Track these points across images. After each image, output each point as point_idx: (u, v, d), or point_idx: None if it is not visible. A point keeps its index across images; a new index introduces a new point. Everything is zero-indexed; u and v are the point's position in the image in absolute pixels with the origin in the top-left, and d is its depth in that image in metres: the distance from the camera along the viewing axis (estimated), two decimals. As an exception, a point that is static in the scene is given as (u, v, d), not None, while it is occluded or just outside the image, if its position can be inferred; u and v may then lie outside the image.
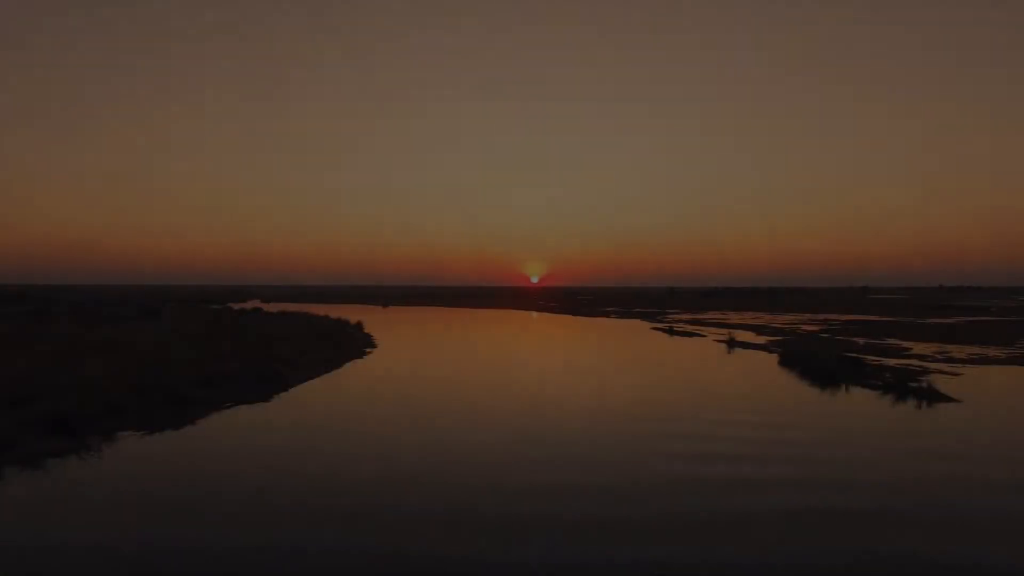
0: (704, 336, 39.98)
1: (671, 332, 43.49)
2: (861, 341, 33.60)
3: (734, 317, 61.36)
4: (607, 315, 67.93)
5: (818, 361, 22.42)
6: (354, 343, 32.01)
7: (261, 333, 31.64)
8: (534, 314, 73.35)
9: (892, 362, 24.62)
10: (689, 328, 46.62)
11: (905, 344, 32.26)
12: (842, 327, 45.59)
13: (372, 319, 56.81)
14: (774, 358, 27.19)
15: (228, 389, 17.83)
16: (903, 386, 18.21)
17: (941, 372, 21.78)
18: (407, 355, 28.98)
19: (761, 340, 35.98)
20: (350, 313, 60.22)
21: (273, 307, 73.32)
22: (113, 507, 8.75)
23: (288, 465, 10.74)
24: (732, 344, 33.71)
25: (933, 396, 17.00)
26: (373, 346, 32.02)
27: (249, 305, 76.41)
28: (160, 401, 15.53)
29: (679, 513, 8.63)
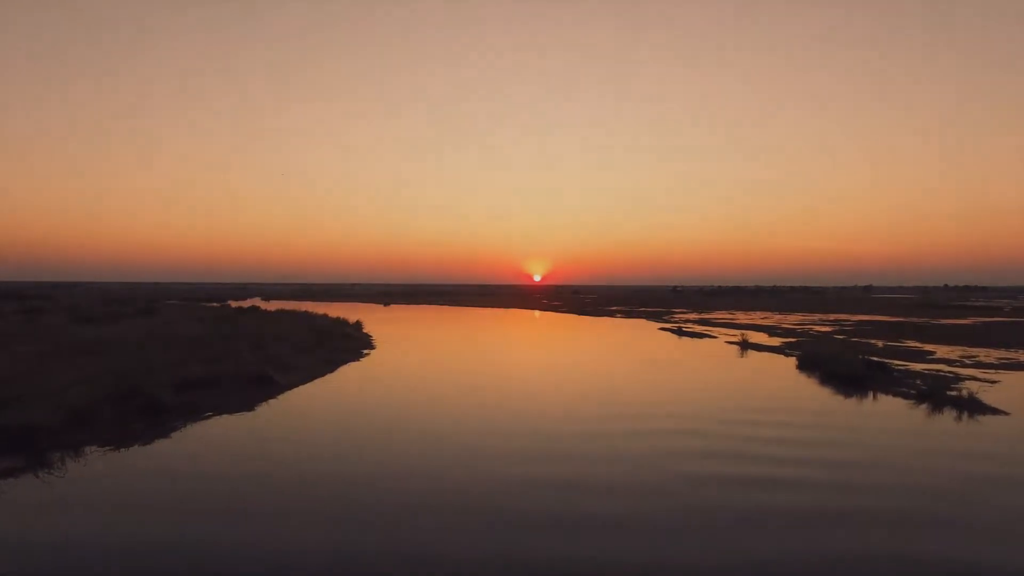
0: (714, 337, 38.66)
1: (680, 333, 42.18)
2: (879, 343, 32.25)
3: (742, 317, 60.00)
4: (612, 315, 66.59)
5: (842, 365, 21.07)
6: (351, 344, 30.76)
7: (255, 333, 30.42)
8: (538, 313, 72.02)
9: (919, 367, 23.28)
10: (698, 329, 45.29)
11: (926, 347, 30.91)
12: (855, 328, 44.23)
13: (372, 318, 55.60)
14: (792, 361, 25.87)
15: (212, 395, 16.60)
16: (939, 394, 16.86)
17: (975, 379, 20.43)
18: (407, 357, 27.68)
19: (774, 342, 34.65)
20: (350, 312, 58.99)
21: (273, 305, 72.19)
22: (61, 540, 7.50)
23: (265, 490, 9.44)
24: (745, 346, 32.39)
25: (975, 406, 15.66)
26: (372, 347, 30.74)
27: (248, 303, 75.14)
28: (135, 409, 14.28)
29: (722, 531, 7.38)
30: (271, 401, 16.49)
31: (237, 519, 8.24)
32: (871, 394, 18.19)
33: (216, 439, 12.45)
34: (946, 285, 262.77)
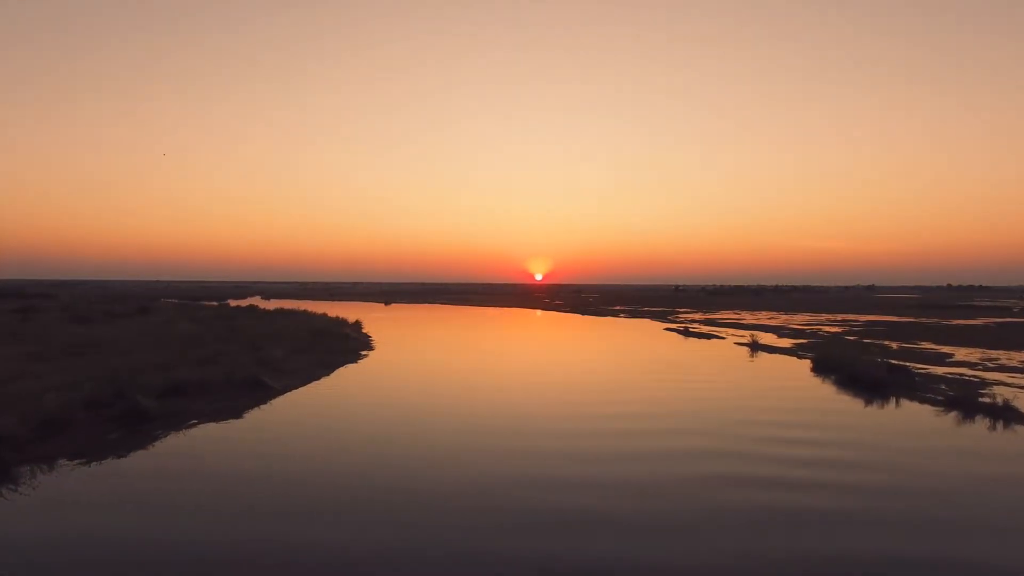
0: (722, 338, 37.70)
1: (686, 333, 41.24)
2: (894, 345, 31.28)
3: (748, 317, 59.02)
4: (616, 314, 65.65)
5: (863, 369, 20.10)
6: (350, 345, 29.84)
7: (251, 334, 29.55)
8: (541, 313, 71.10)
9: (940, 370, 22.33)
10: (704, 329, 44.35)
11: (942, 349, 29.93)
12: (865, 329, 43.25)
13: (372, 317, 54.69)
14: (806, 364, 24.92)
15: (200, 400, 15.69)
16: (970, 401, 15.90)
17: (1002, 383, 19.45)
18: (407, 359, 26.77)
19: (785, 343, 33.70)
20: (350, 311, 58.09)
21: (273, 304, 71.28)
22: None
23: (245, 512, 8.52)
24: (755, 347, 31.45)
25: (1011, 415, 14.68)
26: (370, 348, 29.82)
27: (247, 303, 74.26)
28: (114, 417, 13.38)
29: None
30: (262, 407, 15.58)
31: (208, 546, 7.32)
32: (894, 400, 17.25)
33: (197, 451, 11.51)
34: (948, 285, 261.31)
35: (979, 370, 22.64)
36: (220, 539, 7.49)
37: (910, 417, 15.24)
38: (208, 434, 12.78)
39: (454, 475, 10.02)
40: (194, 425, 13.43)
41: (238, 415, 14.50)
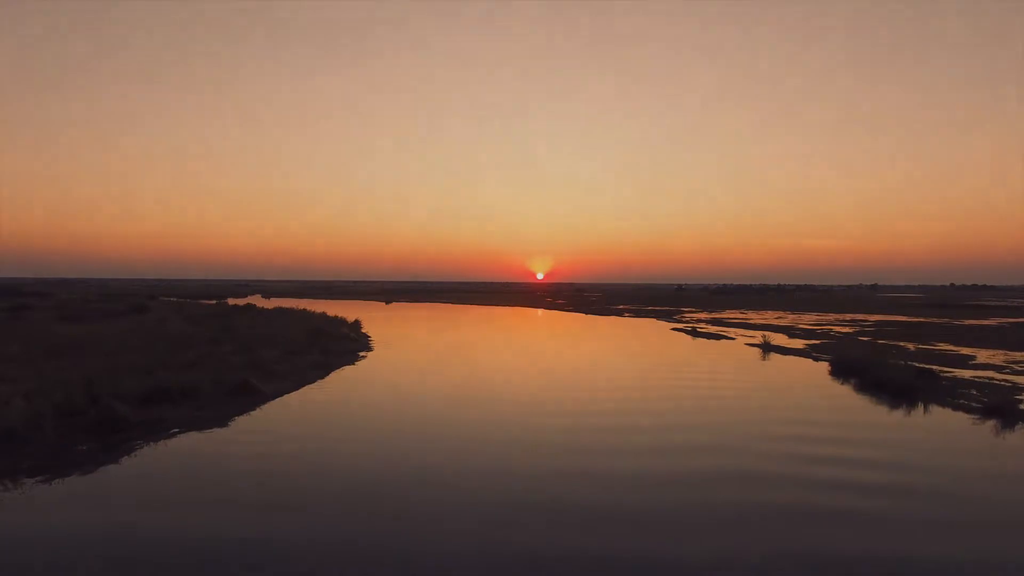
0: (732, 338, 36.60)
1: (694, 333, 40.17)
2: (911, 346, 30.19)
3: (754, 317, 57.93)
4: (620, 314, 64.57)
5: (890, 373, 19.01)
6: (348, 345, 28.79)
7: (245, 334, 28.51)
8: (544, 312, 70.01)
9: (967, 374, 21.24)
10: (712, 329, 43.27)
11: (962, 350, 28.83)
12: (876, 329, 42.17)
13: (372, 316, 53.69)
14: (822, 366, 23.85)
15: (184, 407, 14.62)
16: (1008, 408, 14.82)
17: (1035, 388, 18.39)
18: (406, 360, 25.68)
19: (796, 344, 32.62)
20: (351, 310, 57.11)
21: (272, 303, 70.24)
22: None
23: (223, 542, 7.47)
24: (767, 348, 30.36)
25: (1057, 424, 13.63)
26: (369, 349, 28.78)
27: (246, 301, 73.17)
28: (86, 426, 12.32)
29: None
30: (252, 413, 14.54)
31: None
32: (924, 406, 16.17)
33: (173, 465, 10.40)
34: (952, 284, 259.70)
35: (1007, 373, 21.55)
36: (196, 562, 6.44)
37: (951, 427, 14.12)
38: (189, 445, 11.70)
39: (451, 483, 8.98)
40: (175, 435, 12.35)
41: (223, 423, 13.43)
